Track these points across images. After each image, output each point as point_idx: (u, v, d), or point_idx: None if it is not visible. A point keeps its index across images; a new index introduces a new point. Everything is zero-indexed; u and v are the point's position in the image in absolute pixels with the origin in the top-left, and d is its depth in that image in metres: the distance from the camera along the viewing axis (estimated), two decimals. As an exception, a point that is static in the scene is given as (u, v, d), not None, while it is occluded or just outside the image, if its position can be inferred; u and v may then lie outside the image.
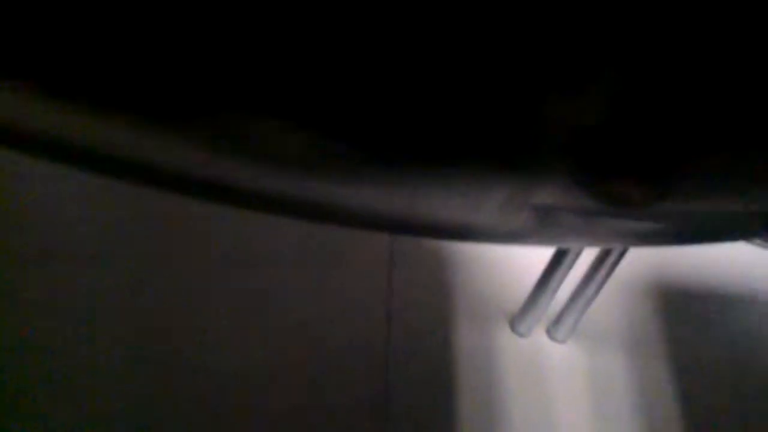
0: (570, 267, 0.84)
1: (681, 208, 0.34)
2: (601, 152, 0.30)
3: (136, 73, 0.27)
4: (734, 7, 0.26)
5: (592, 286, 0.85)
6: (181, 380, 0.81)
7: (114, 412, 0.77)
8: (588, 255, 0.85)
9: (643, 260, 1.01)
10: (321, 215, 0.35)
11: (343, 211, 0.33)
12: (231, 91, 0.27)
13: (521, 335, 0.92)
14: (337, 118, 0.28)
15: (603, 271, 0.84)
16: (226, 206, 0.37)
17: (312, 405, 0.81)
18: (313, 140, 0.29)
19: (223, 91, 0.27)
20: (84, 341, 0.82)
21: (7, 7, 0.25)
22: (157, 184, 0.37)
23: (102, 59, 0.27)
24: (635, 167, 0.31)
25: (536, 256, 0.90)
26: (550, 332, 0.93)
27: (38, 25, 0.26)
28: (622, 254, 0.82)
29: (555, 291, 0.87)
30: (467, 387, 0.86)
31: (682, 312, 0.98)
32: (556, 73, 0.27)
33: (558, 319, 0.91)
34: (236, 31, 0.26)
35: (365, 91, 0.27)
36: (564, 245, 0.78)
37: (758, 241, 0.95)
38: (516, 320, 0.92)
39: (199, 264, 0.92)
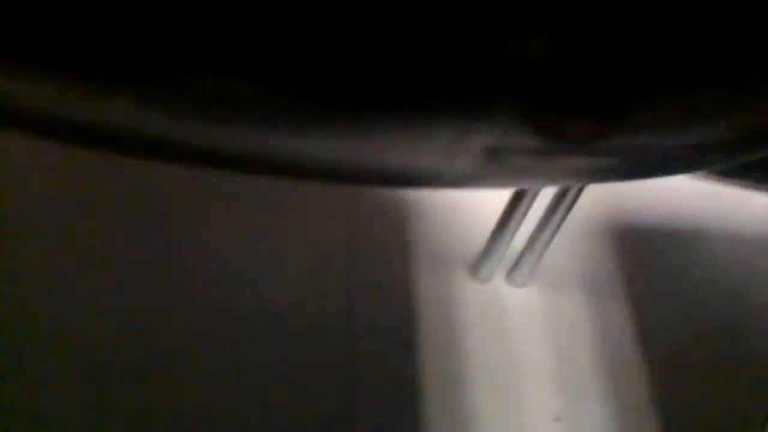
0: (527, 210, 0.85)
1: (631, 142, 0.34)
2: (548, 88, 0.29)
3: (75, 33, 0.26)
4: None
5: (549, 229, 0.86)
6: (166, 377, 0.80)
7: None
8: (543, 198, 0.85)
9: (597, 202, 1.02)
10: (260, 168, 0.34)
11: (284, 161, 0.32)
12: (173, 45, 0.26)
13: (481, 281, 0.93)
14: (276, 66, 0.27)
15: (559, 214, 0.84)
16: (176, 165, 0.36)
17: (274, 359, 0.81)
18: (256, 91, 0.28)
19: (165, 46, 0.26)
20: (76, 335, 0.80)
21: None
22: (103, 144, 0.35)
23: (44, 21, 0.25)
24: (583, 102, 0.31)
25: (494, 201, 0.90)
26: (509, 277, 0.93)
27: None
28: (576, 196, 0.83)
29: (513, 235, 0.87)
30: (429, 333, 0.86)
31: (637, 251, 1.00)
32: (501, 7, 0.26)
33: (516, 264, 0.92)
34: None
35: (301, 37, 0.26)
36: (516, 186, 0.78)
37: (701, 175, 0.96)
38: (475, 266, 0.93)
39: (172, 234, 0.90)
